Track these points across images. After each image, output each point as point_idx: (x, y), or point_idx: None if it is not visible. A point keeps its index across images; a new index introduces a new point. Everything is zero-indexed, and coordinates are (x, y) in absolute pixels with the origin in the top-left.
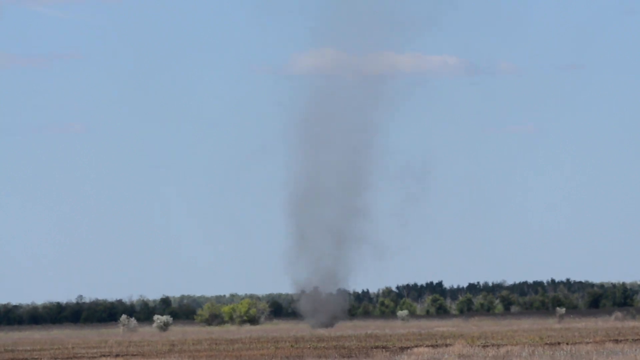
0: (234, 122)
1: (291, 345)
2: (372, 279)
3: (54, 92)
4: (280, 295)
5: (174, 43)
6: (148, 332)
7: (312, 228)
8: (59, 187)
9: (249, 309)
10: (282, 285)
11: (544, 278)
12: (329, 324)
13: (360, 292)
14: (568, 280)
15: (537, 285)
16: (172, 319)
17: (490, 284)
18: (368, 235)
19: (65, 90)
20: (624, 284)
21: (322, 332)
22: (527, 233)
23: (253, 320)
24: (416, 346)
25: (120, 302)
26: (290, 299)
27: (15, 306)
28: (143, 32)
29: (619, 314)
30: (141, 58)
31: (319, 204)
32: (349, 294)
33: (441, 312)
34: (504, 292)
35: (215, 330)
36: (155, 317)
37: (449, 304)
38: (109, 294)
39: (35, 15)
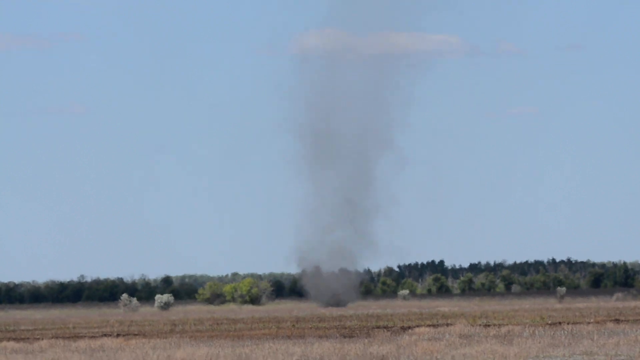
0: (235, 103)
1: (292, 325)
2: (373, 258)
3: (54, 73)
4: (282, 274)
5: (175, 25)
6: (149, 312)
7: (322, 204)
8: (60, 167)
9: (250, 288)
10: (284, 264)
11: (545, 258)
12: (340, 303)
13: (362, 271)
14: (569, 259)
15: (538, 264)
16: (173, 298)
17: (492, 264)
18: (378, 212)
19: (65, 71)
20: (625, 263)
21: (324, 311)
22: (528, 213)
23: (255, 300)
24: (417, 326)
25: (121, 281)
26: (293, 279)
27: (17, 285)
28: (145, 14)
29: (620, 294)
30: (143, 39)
31: (329, 176)
32: (360, 273)
33: (442, 291)
34: (505, 272)
35: (217, 310)
36: (157, 296)
37: (450, 283)
38: (111, 273)
39: None
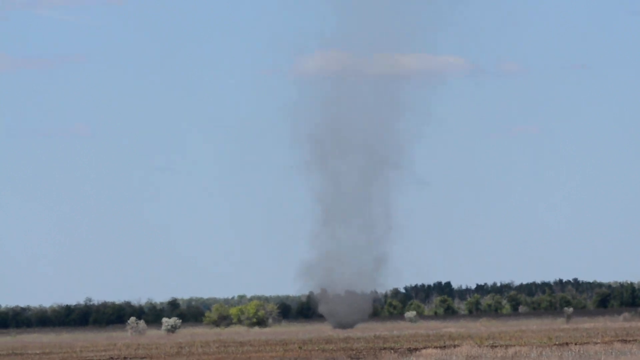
0: (241, 125)
1: (299, 347)
2: (384, 279)
3: (58, 94)
4: (288, 297)
5: (178, 46)
6: (156, 335)
7: (331, 226)
8: (65, 189)
9: (257, 310)
10: (290, 286)
11: (552, 278)
12: (352, 324)
13: (368, 292)
14: (576, 280)
15: (545, 285)
16: (180, 321)
17: (499, 285)
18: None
19: (70, 92)
20: (632, 284)
21: (331, 333)
22: (534, 233)
23: (261, 322)
24: (424, 347)
25: (128, 304)
26: (299, 300)
27: (24, 309)
28: (148, 35)
29: (627, 314)
30: (146, 61)
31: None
32: (372, 294)
33: (449, 312)
34: (512, 293)
35: (224, 332)
36: (164, 319)
37: (457, 304)
38: (117, 296)
39: (40, 18)
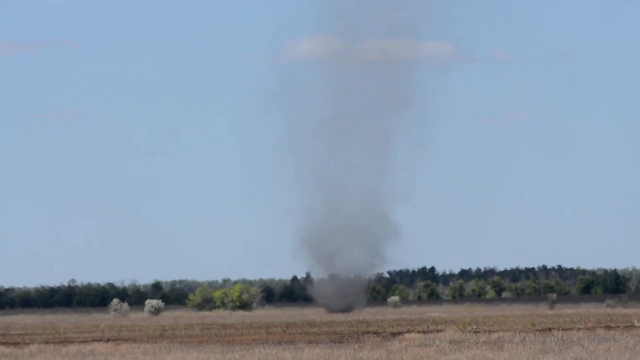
0: (229, 109)
1: (283, 331)
2: (363, 264)
3: (49, 78)
4: (272, 280)
5: (168, 31)
6: (139, 317)
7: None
8: (51, 172)
9: (241, 294)
10: (274, 270)
11: (536, 264)
12: (347, 309)
13: (352, 277)
14: (560, 266)
15: (529, 271)
16: (163, 303)
17: (482, 270)
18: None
19: (60, 76)
20: (615, 270)
21: (314, 317)
22: (519, 219)
23: (245, 306)
24: (407, 332)
25: (112, 286)
26: (284, 284)
27: (7, 290)
28: (138, 20)
29: (610, 300)
30: (136, 46)
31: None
32: (366, 279)
33: (433, 297)
34: (496, 278)
35: (207, 315)
36: (147, 301)
37: (441, 289)
38: (101, 278)
39: (30, 2)
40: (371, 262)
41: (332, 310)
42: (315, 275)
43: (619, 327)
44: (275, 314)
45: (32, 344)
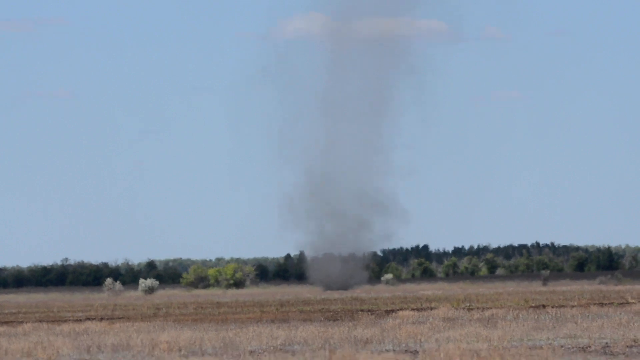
0: (221, 89)
1: (276, 309)
2: (358, 242)
3: (39, 58)
4: (266, 259)
5: (160, 10)
6: (133, 296)
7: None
8: (44, 151)
9: (234, 272)
10: (268, 249)
11: (529, 241)
12: (343, 287)
13: (346, 255)
14: (553, 243)
15: (522, 248)
16: (157, 282)
17: (476, 248)
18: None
19: (51, 56)
20: (609, 247)
21: (308, 295)
22: (512, 196)
23: (239, 284)
24: (401, 309)
25: (105, 265)
26: (277, 263)
27: (0, 269)
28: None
29: (603, 277)
30: (128, 24)
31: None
32: (364, 256)
33: (426, 275)
34: (489, 256)
35: (201, 294)
36: (141, 280)
37: (435, 267)
38: (95, 257)
39: None
40: (365, 240)
41: (329, 288)
42: (309, 254)
43: (612, 303)
44: (269, 292)
45: (26, 322)
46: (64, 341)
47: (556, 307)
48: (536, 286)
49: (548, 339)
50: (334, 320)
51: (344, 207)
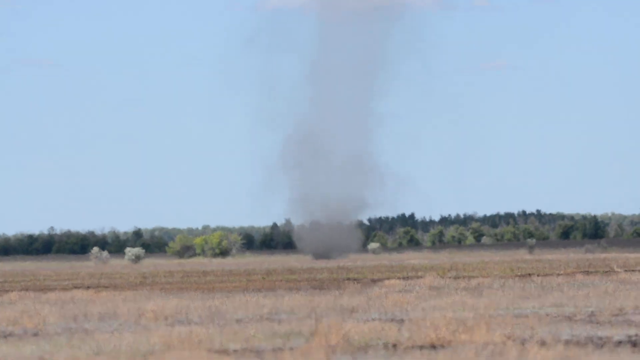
0: (209, 58)
1: (263, 278)
2: (344, 210)
3: (24, 25)
4: (252, 227)
5: None
6: (119, 265)
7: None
8: (30, 119)
9: (220, 241)
10: (254, 217)
11: (515, 210)
12: (332, 255)
13: (334, 223)
14: (539, 211)
15: (509, 217)
16: (143, 251)
17: (462, 216)
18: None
19: (35, 23)
20: (594, 216)
21: (294, 264)
22: (498, 165)
23: (224, 253)
24: (387, 278)
25: (92, 233)
26: (263, 232)
27: None
28: None
29: (589, 245)
30: None
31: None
32: (355, 224)
33: (413, 244)
34: (475, 224)
35: (187, 263)
36: (127, 249)
37: (421, 236)
38: (81, 225)
39: None
40: (352, 208)
41: (319, 257)
42: (295, 222)
43: (598, 272)
44: (256, 261)
45: (12, 291)
46: (51, 310)
47: (542, 275)
48: (522, 254)
49: (534, 307)
50: (320, 289)
51: (330, 174)
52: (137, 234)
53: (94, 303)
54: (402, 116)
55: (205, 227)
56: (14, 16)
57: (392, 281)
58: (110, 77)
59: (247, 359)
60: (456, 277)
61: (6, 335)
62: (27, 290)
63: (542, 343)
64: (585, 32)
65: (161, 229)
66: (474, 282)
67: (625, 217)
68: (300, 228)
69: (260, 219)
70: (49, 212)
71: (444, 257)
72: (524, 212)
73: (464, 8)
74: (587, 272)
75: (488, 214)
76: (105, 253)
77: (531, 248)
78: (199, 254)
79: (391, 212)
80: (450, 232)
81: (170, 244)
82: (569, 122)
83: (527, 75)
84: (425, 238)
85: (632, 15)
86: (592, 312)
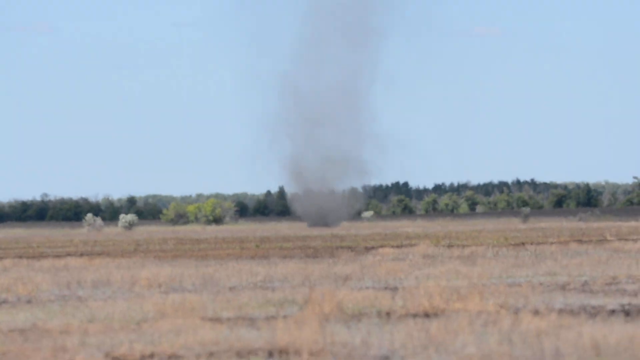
0: (199, 24)
1: (256, 246)
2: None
3: None
4: (246, 195)
5: None
6: (113, 232)
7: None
8: (22, 85)
9: (214, 208)
10: (248, 185)
11: (509, 178)
12: (329, 223)
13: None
14: (533, 180)
15: (502, 185)
16: (137, 218)
17: (456, 185)
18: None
19: None
20: (588, 184)
21: (288, 232)
22: (492, 133)
23: (218, 220)
24: (381, 246)
25: (85, 201)
26: (257, 199)
27: None
28: None
29: (582, 214)
30: None
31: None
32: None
33: (406, 212)
34: (469, 193)
35: (181, 230)
36: (121, 216)
37: (415, 204)
38: (74, 192)
39: None
40: (346, 176)
41: (315, 224)
42: (289, 190)
43: (591, 241)
44: (248, 228)
45: (5, 258)
46: (44, 277)
47: (535, 244)
48: (516, 223)
49: (527, 276)
50: (314, 257)
51: (323, 141)
52: (131, 201)
53: (87, 270)
54: (392, 83)
55: (199, 195)
56: None
57: (386, 249)
58: (103, 44)
59: (240, 327)
60: (450, 246)
61: None
62: (20, 257)
63: (536, 312)
64: (580, 1)
65: (155, 197)
66: (467, 250)
67: (618, 186)
68: (295, 196)
69: (255, 186)
70: (42, 179)
71: (437, 226)
72: (518, 180)
73: None
74: (581, 241)
75: (482, 183)
76: (98, 220)
77: (525, 217)
78: (193, 222)
79: (385, 180)
80: (444, 200)
81: (164, 211)
82: (563, 90)
83: (519, 43)
84: (419, 206)
85: None
86: (585, 281)
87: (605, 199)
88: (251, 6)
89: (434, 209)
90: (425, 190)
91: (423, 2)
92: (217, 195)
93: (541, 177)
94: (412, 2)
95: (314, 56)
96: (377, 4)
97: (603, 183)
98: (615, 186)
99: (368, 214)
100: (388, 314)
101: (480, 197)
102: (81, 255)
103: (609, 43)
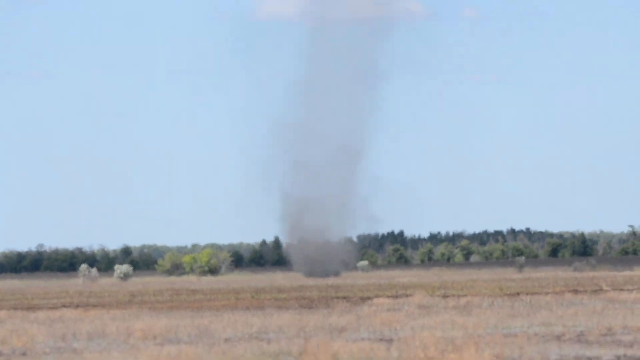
0: (197, 70)
1: (252, 296)
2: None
3: (11, 37)
4: (241, 244)
5: None
6: (108, 282)
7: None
8: (18, 136)
9: (210, 259)
10: (243, 234)
11: (504, 227)
12: (327, 274)
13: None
14: (528, 229)
15: (497, 234)
16: (132, 269)
17: (451, 234)
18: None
19: (25, 35)
20: (583, 233)
21: (283, 282)
22: (487, 182)
23: (214, 271)
24: (377, 296)
25: (80, 251)
26: (252, 249)
27: None
28: None
29: (578, 263)
30: (102, 4)
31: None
32: (344, 243)
33: (402, 262)
34: (464, 242)
35: (176, 281)
36: (116, 267)
37: (410, 254)
38: (70, 243)
39: None
40: (341, 227)
41: (312, 274)
42: (284, 239)
43: (586, 291)
44: (244, 279)
45: (0, 310)
46: (39, 329)
47: (531, 294)
48: (511, 273)
49: (523, 326)
50: (309, 308)
51: (320, 191)
52: (126, 251)
53: (82, 322)
54: (386, 130)
55: (195, 245)
56: None
57: (381, 299)
58: (100, 91)
59: None
60: (445, 296)
61: None
62: (15, 309)
63: None
64: (574, 49)
65: (150, 247)
66: (463, 300)
67: (613, 235)
68: (290, 246)
69: (250, 235)
70: (38, 230)
71: (433, 275)
72: (513, 229)
73: (451, 19)
74: (576, 291)
75: (477, 232)
76: (94, 271)
77: (520, 266)
78: (189, 272)
79: (380, 229)
80: (440, 249)
81: (160, 261)
82: (558, 139)
83: (514, 89)
84: (415, 256)
85: (618, 34)
86: (580, 331)
87: (600, 248)
88: (251, 57)
89: (430, 259)
90: (421, 240)
91: (415, 50)
92: (212, 245)
93: (536, 226)
94: (406, 51)
95: (309, 102)
96: (371, 55)
97: (598, 232)
98: (611, 235)
99: (363, 263)
100: None
101: (475, 246)
102: (76, 306)
103: (604, 92)
